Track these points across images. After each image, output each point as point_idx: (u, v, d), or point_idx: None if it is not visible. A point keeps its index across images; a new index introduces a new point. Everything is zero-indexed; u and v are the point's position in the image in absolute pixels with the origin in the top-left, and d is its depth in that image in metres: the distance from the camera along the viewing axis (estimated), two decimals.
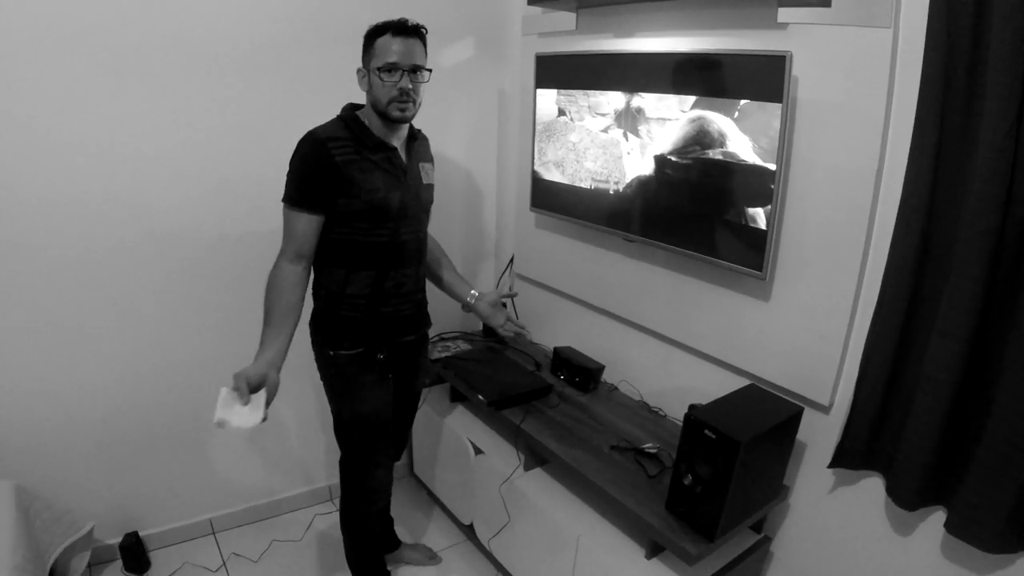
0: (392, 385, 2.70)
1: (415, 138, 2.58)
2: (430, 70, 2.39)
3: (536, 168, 3.33)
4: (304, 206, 2.32)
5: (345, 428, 2.68)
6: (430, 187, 2.64)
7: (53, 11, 2.46)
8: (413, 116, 2.42)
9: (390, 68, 2.29)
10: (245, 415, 2.07)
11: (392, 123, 2.40)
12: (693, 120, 2.50)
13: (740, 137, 2.36)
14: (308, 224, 2.33)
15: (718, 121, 2.42)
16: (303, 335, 2.59)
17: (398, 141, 2.48)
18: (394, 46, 2.28)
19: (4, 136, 2.51)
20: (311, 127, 2.37)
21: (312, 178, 2.31)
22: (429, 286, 2.80)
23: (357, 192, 2.33)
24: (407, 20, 2.30)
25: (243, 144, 2.95)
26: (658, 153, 2.66)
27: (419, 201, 2.55)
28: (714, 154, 2.45)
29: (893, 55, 2.04)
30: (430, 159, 2.70)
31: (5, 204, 2.56)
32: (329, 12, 2.96)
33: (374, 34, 2.32)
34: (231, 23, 2.81)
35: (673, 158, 2.60)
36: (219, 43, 2.81)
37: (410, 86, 2.32)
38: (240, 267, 3.01)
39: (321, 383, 2.67)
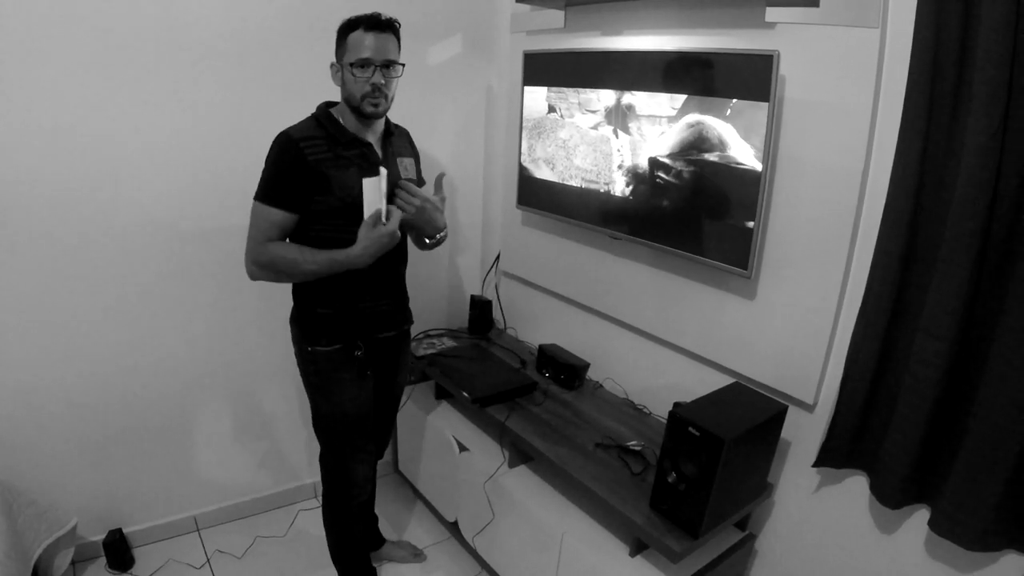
0: (372, 382, 2.70)
1: (392, 133, 2.57)
2: (403, 65, 2.39)
3: (524, 165, 3.33)
4: (277, 204, 2.33)
5: (323, 423, 2.68)
6: (410, 182, 2.59)
7: (40, 4, 2.45)
8: (386, 111, 2.43)
9: (363, 64, 2.29)
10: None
11: (366, 118, 2.41)
12: (686, 123, 2.50)
13: (728, 137, 2.36)
14: (281, 220, 2.35)
15: (708, 120, 2.42)
16: (285, 332, 2.60)
17: (373, 136, 2.49)
18: (366, 41, 2.28)
19: None
20: (296, 122, 2.37)
21: (285, 178, 2.32)
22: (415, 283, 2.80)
23: (331, 189, 2.34)
24: (380, 14, 2.30)
25: (233, 138, 2.94)
26: (647, 151, 2.66)
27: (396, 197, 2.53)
28: (701, 154, 2.46)
29: (880, 55, 2.05)
30: (410, 154, 2.69)
31: None
32: (318, 6, 2.94)
33: (346, 29, 2.32)
34: (223, 17, 2.81)
35: (662, 157, 2.61)
36: (209, 37, 2.80)
37: (382, 81, 2.33)
38: (227, 265, 2.98)
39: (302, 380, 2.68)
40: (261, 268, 2.38)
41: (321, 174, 2.31)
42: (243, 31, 2.87)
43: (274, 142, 2.34)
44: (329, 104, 2.47)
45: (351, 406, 2.63)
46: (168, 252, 2.97)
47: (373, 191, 2.28)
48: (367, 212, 2.28)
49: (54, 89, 2.56)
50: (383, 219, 2.29)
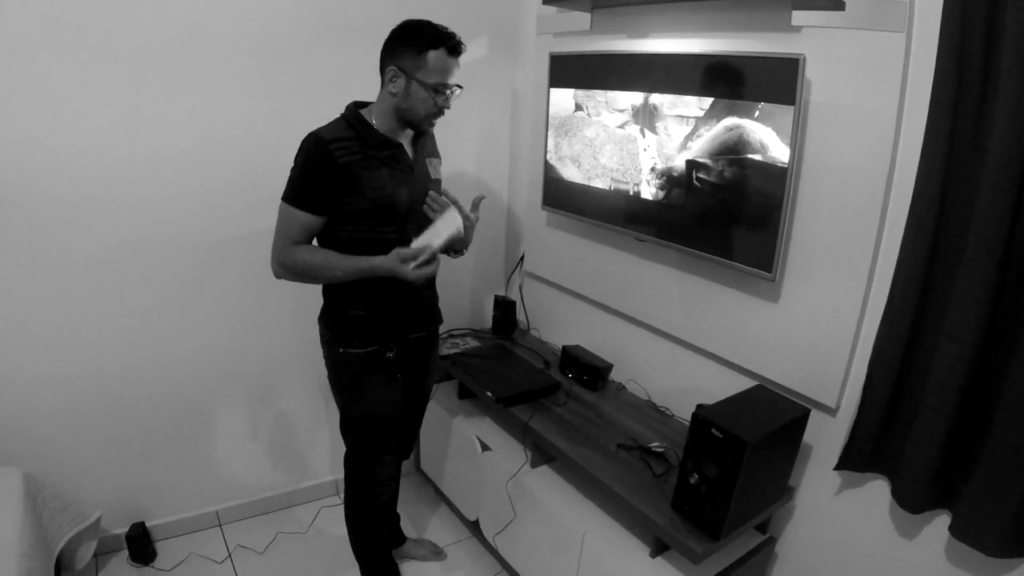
0: (401, 383, 2.70)
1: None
2: (462, 88, 2.40)
3: (549, 163, 3.34)
4: (305, 206, 2.31)
5: (352, 425, 2.68)
6: (437, 183, 2.60)
7: (62, 9, 2.48)
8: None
9: (443, 89, 2.31)
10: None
11: (417, 131, 2.43)
12: (724, 126, 2.49)
13: (764, 140, 2.36)
14: (308, 222, 2.34)
15: (747, 124, 2.42)
16: (312, 331, 2.61)
17: (405, 138, 2.46)
18: (450, 66, 2.30)
19: (20, 137, 2.53)
20: (322, 124, 2.37)
21: (315, 180, 2.29)
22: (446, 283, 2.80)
23: (363, 190, 2.31)
24: (457, 36, 2.31)
25: (258, 143, 2.96)
26: (674, 152, 2.67)
27: (426, 197, 2.48)
28: (731, 157, 2.46)
29: (906, 59, 2.05)
30: (437, 154, 2.68)
31: (17, 199, 2.59)
32: (343, 9, 2.97)
33: (425, 43, 2.26)
34: (246, 21, 2.83)
35: (687, 158, 2.61)
36: (231, 42, 2.82)
37: (450, 106, 2.37)
38: (250, 266, 3.02)
39: (325, 378, 2.68)
40: (286, 269, 2.38)
41: (352, 175, 2.29)
42: (272, 35, 2.90)
43: (303, 143, 2.31)
44: (358, 105, 2.44)
45: (381, 408, 2.63)
46: (193, 254, 3.00)
47: (447, 227, 2.32)
48: (423, 239, 2.28)
49: (77, 98, 2.59)
50: (422, 258, 2.27)
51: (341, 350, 2.53)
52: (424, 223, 2.40)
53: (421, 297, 2.64)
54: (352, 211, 2.34)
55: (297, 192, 2.32)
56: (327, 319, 2.57)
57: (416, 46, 2.27)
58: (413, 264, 2.26)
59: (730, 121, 2.44)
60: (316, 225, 2.35)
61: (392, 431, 2.72)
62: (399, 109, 2.36)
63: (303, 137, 2.32)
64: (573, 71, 3.10)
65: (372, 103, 2.43)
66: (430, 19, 2.32)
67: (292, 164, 2.33)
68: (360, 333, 2.51)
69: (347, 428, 2.71)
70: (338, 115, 2.40)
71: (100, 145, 2.67)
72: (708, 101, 2.50)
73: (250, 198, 2.98)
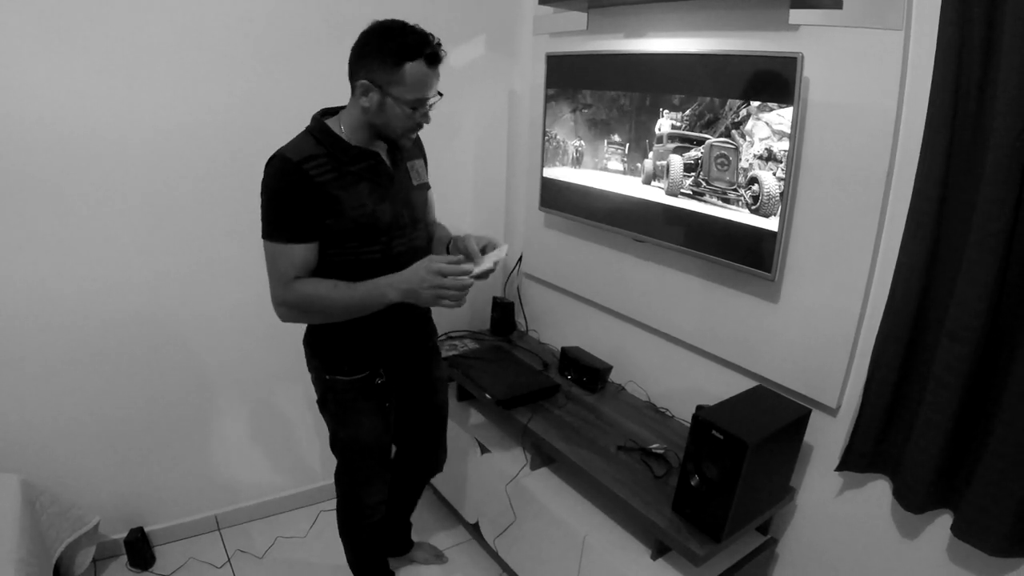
0: (392, 410, 2.60)
1: None
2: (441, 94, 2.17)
3: (545, 168, 3.34)
4: (292, 238, 2.10)
5: (340, 448, 2.57)
6: (422, 188, 2.44)
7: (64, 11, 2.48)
8: None
9: (421, 103, 2.09)
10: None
11: (389, 143, 2.25)
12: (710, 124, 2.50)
13: (752, 140, 2.36)
14: (298, 255, 2.12)
15: (729, 124, 2.42)
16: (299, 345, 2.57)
17: (381, 146, 2.26)
18: (428, 79, 2.05)
19: (17, 133, 2.52)
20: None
21: (294, 205, 2.07)
22: None
23: (343, 211, 2.11)
24: (436, 44, 2.04)
25: (257, 145, 2.92)
26: (671, 152, 2.66)
27: (411, 208, 2.33)
28: (726, 157, 2.46)
29: (904, 57, 2.04)
30: (420, 155, 2.50)
31: (13, 196, 2.58)
32: (347, 6, 2.93)
33: (402, 55, 2.00)
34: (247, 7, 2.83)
35: (687, 159, 2.61)
36: (229, 32, 2.83)
37: (430, 118, 2.18)
38: (247, 265, 3.00)
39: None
40: (290, 308, 2.19)
41: (331, 196, 2.09)
42: (274, 31, 2.90)
43: (270, 169, 2.09)
44: (325, 113, 2.25)
45: (369, 435, 2.52)
46: (191, 258, 3.00)
47: (495, 256, 2.21)
48: (465, 259, 2.16)
49: (75, 86, 2.58)
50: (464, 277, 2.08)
51: (328, 376, 2.41)
52: (412, 237, 2.33)
53: (411, 314, 2.44)
54: (335, 232, 2.15)
55: (280, 225, 2.11)
56: (312, 344, 2.44)
57: (391, 56, 2.01)
58: (446, 281, 2.04)
59: (726, 122, 2.43)
60: (309, 255, 2.15)
61: (383, 458, 2.63)
62: (373, 125, 2.16)
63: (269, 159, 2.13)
64: (570, 71, 3.10)
65: (342, 109, 2.23)
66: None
67: (262, 197, 2.13)
68: (349, 359, 2.38)
69: (336, 449, 2.59)
70: (303, 128, 2.23)
71: (96, 137, 2.66)
72: (704, 102, 2.49)
73: (250, 201, 2.94)
